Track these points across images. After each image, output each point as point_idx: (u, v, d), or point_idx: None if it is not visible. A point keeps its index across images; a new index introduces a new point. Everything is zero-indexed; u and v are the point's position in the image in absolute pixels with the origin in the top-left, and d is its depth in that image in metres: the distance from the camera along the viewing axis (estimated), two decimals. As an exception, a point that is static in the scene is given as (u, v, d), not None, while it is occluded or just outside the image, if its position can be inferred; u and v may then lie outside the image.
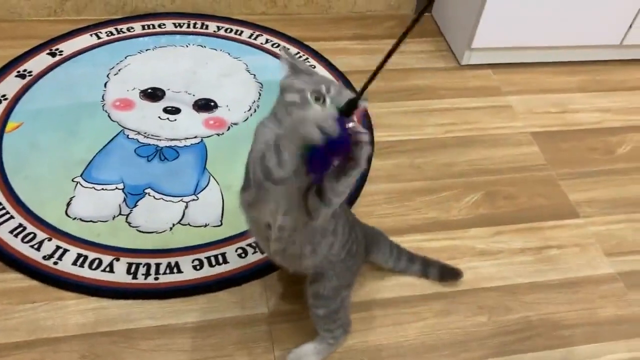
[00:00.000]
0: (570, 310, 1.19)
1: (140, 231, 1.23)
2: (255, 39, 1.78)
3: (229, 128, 1.48)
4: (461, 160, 1.49)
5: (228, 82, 1.62)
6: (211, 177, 1.35)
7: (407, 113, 1.61)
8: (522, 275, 1.24)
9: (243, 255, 1.21)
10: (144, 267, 1.17)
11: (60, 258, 1.16)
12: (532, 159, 1.51)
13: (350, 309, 1.06)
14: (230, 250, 1.21)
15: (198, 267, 1.18)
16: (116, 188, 1.31)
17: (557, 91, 1.74)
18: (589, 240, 1.33)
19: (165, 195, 1.30)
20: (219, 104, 1.54)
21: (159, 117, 1.48)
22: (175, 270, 1.17)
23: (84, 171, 1.33)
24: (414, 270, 1.20)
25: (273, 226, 0.88)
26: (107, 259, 1.17)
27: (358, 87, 1.73)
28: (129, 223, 1.24)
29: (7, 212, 1.23)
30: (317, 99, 0.78)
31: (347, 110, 0.75)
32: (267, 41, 1.78)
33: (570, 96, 1.73)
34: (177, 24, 1.79)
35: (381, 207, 1.34)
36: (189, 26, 1.79)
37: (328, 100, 0.78)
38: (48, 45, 1.66)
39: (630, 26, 1.75)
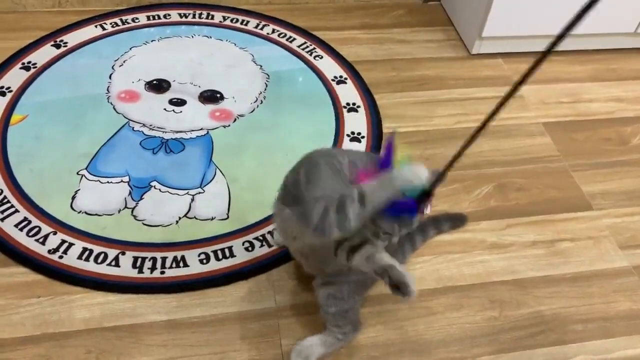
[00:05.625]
0: (584, 304, 1.17)
1: (146, 225, 1.22)
2: (261, 29, 1.76)
3: (235, 120, 1.46)
4: (472, 151, 1.44)
5: (234, 73, 1.60)
6: (217, 169, 1.33)
7: (417, 103, 1.58)
8: (534, 268, 1.22)
9: (250, 249, 1.19)
10: (149, 261, 1.15)
11: (65, 252, 1.15)
12: (545, 150, 1.48)
13: (360, 308, 1.05)
14: (237, 244, 1.20)
15: (204, 261, 1.16)
16: (121, 181, 1.29)
17: (569, 80, 1.71)
18: (603, 232, 1.30)
19: (171, 188, 1.29)
20: (225, 96, 1.52)
21: (165, 109, 1.47)
22: (181, 264, 1.15)
23: (89, 164, 1.32)
24: (430, 237, 1.18)
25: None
26: (112, 252, 1.16)
27: (367, 77, 1.70)
28: (135, 216, 1.23)
29: (12, 206, 1.22)
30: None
31: (421, 197, 0.79)
32: (273, 31, 1.75)
33: (583, 86, 1.69)
34: (182, 15, 1.77)
35: (390, 200, 1.32)
36: (194, 16, 1.77)
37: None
38: (52, 36, 1.65)
39: (646, 13, 1.71)
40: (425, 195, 0.79)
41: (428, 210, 0.81)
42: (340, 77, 1.62)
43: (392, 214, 0.82)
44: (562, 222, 1.31)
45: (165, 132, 1.41)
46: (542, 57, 0.60)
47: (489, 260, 1.22)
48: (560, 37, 0.55)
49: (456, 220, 1.24)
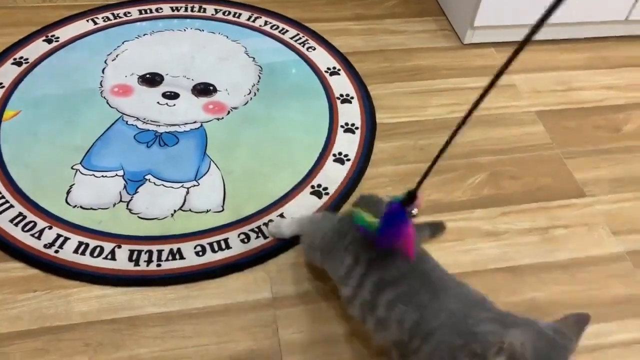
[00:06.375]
0: (578, 290, 1.18)
1: (141, 218, 1.22)
2: (253, 21, 1.76)
3: (228, 112, 1.46)
4: (465, 140, 1.47)
5: (227, 65, 1.59)
6: (212, 162, 1.34)
7: (410, 94, 1.58)
8: (528, 256, 1.23)
9: (246, 240, 1.19)
10: (145, 254, 1.15)
11: (61, 246, 1.15)
12: (537, 138, 1.49)
13: None
14: (232, 236, 1.20)
15: (200, 253, 1.17)
16: (116, 175, 1.29)
17: (561, 69, 1.71)
18: (596, 219, 1.31)
19: (165, 181, 1.29)
20: (218, 88, 1.52)
21: (158, 102, 1.46)
22: (177, 256, 1.16)
23: (83, 158, 1.32)
24: None
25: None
26: (108, 246, 1.16)
27: (360, 68, 1.68)
28: (130, 210, 1.23)
29: (7, 201, 1.22)
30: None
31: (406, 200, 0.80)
32: (265, 23, 1.75)
33: (575, 74, 1.70)
34: (174, 8, 1.76)
35: (385, 190, 1.32)
36: (186, 10, 1.76)
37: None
38: (44, 31, 1.64)
39: (637, 1, 1.71)
40: (410, 197, 0.78)
41: (415, 212, 0.80)
42: (334, 68, 1.62)
43: (385, 225, 0.81)
44: (556, 210, 1.32)
45: (159, 125, 1.41)
46: (519, 47, 0.58)
47: (483, 248, 1.23)
48: (537, 27, 0.54)
49: (436, 229, 1.21)
